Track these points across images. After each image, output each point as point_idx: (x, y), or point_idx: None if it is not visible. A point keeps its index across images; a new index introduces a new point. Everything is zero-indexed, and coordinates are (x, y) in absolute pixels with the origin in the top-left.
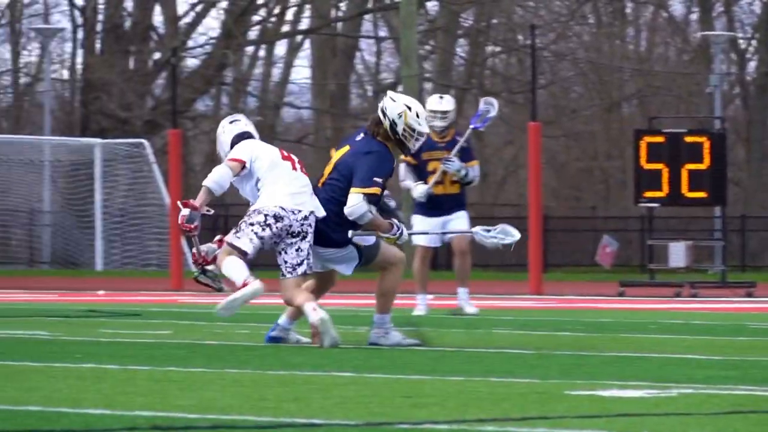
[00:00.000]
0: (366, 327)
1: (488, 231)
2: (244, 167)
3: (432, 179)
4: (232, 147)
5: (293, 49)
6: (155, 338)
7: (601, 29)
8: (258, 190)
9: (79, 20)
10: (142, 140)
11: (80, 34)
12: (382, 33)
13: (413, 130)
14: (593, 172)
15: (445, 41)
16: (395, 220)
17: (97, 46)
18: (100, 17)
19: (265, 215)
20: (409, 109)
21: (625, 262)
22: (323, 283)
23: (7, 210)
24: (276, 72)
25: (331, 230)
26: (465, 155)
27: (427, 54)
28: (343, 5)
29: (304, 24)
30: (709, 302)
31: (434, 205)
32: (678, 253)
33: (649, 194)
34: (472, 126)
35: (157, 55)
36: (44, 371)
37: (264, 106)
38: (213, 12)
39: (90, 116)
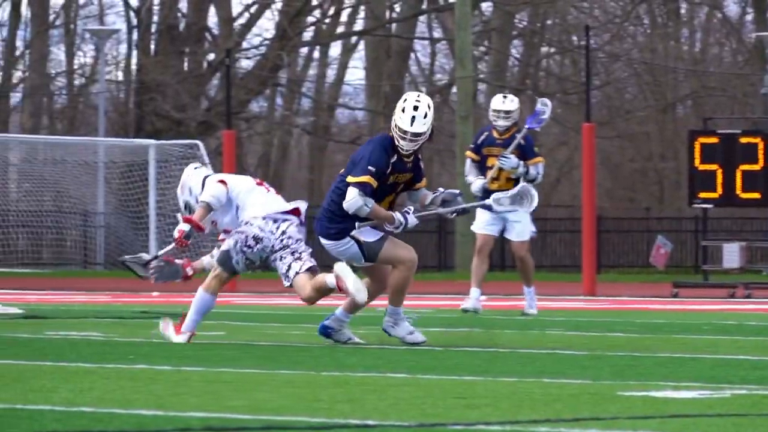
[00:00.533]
0: (419, 328)
1: (504, 198)
2: (227, 187)
3: (489, 174)
4: (203, 187)
5: (348, 50)
6: (208, 339)
7: (655, 30)
8: (238, 218)
9: (134, 21)
10: (197, 141)
11: (135, 36)
12: (437, 34)
13: (396, 125)
14: (647, 173)
15: (499, 42)
16: (398, 213)
17: (152, 47)
18: (155, 18)
19: (246, 236)
20: (403, 102)
21: (678, 263)
22: (379, 284)
23: (61, 211)
24: (330, 73)
25: (328, 220)
26: (527, 153)
27: (482, 55)
28: (397, 6)
29: (359, 25)
30: (763, 303)
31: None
32: (732, 254)
33: (703, 195)
34: (527, 126)
35: (211, 56)
36: (97, 372)
37: (318, 107)
38: (267, 13)
39: (144, 117)
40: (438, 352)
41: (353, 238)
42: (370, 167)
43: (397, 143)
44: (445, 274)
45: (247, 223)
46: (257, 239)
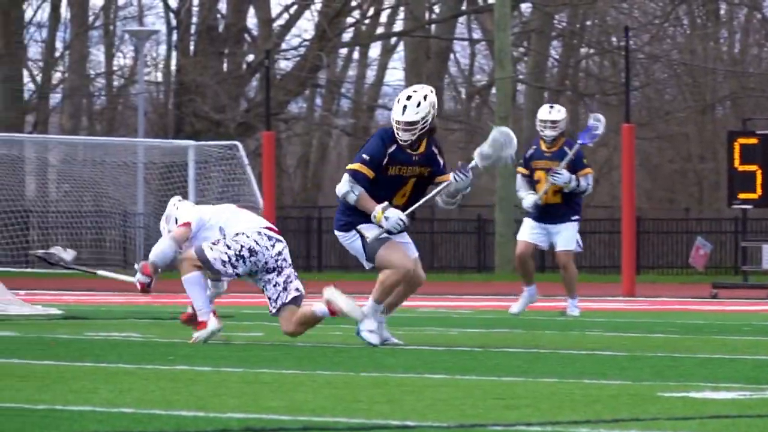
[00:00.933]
0: (458, 329)
1: (486, 149)
2: (189, 229)
3: (540, 190)
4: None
5: (387, 51)
6: (247, 340)
7: (695, 31)
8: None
9: (173, 22)
10: (236, 142)
11: (174, 36)
12: (476, 35)
13: (392, 116)
14: (687, 174)
15: (538, 43)
16: (380, 206)
17: (191, 48)
18: (194, 19)
19: (241, 246)
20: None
21: (718, 264)
22: (408, 286)
23: (100, 212)
24: (370, 74)
25: (341, 212)
26: (576, 165)
27: (521, 56)
28: (437, 7)
29: (398, 26)
30: None
31: (541, 213)
32: None
33: (742, 196)
34: (580, 141)
35: (250, 57)
36: (137, 373)
37: (357, 108)
38: (307, 14)
39: (183, 118)
40: (478, 353)
41: (359, 232)
42: (364, 156)
43: (396, 134)
44: (485, 275)
45: (242, 233)
46: (252, 251)
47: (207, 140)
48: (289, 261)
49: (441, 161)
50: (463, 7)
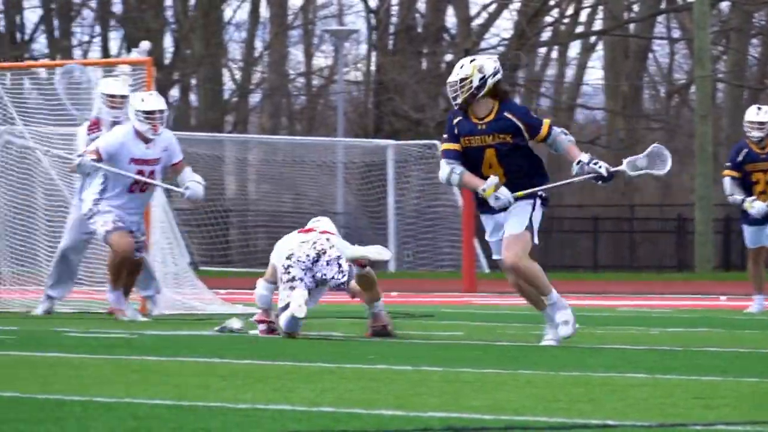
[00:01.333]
0: (658, 328)
1: (641, 159)
2: (273, 267)
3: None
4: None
5: (586, 50)
6: (448, 339)
7: None
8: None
9: (373, 22)
10: (435, 142)
11: (374, 36)
12: (675, 34)
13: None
14: None
15: (738, 41)
16: (489, 182)
17: (390, 47)
18: (393, 19)
19: (281, 266)
20: None
21: None
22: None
23: (300, 211)
24: (569, 73)
25: None
26: None
27: (720, 54)
28: (636, 6)
29: (597, 25)
30: None
31: (763, 216)
32: None
33: None
34: None
35: (449, 57)
36: (337, 372)
37: (557, 108)
38: (505, 13)
39: (383, 117)
40: (678, 352)
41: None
42: (445, 135)
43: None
44: (685, 274)
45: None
46: (289, 257)
47: (406, 140)
48: (321, 245)
49: (521, 125)
50: (662, 6)
